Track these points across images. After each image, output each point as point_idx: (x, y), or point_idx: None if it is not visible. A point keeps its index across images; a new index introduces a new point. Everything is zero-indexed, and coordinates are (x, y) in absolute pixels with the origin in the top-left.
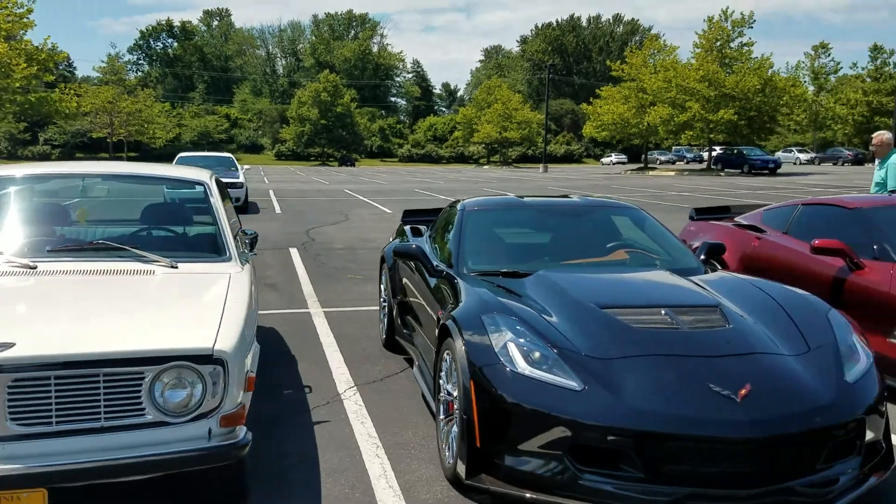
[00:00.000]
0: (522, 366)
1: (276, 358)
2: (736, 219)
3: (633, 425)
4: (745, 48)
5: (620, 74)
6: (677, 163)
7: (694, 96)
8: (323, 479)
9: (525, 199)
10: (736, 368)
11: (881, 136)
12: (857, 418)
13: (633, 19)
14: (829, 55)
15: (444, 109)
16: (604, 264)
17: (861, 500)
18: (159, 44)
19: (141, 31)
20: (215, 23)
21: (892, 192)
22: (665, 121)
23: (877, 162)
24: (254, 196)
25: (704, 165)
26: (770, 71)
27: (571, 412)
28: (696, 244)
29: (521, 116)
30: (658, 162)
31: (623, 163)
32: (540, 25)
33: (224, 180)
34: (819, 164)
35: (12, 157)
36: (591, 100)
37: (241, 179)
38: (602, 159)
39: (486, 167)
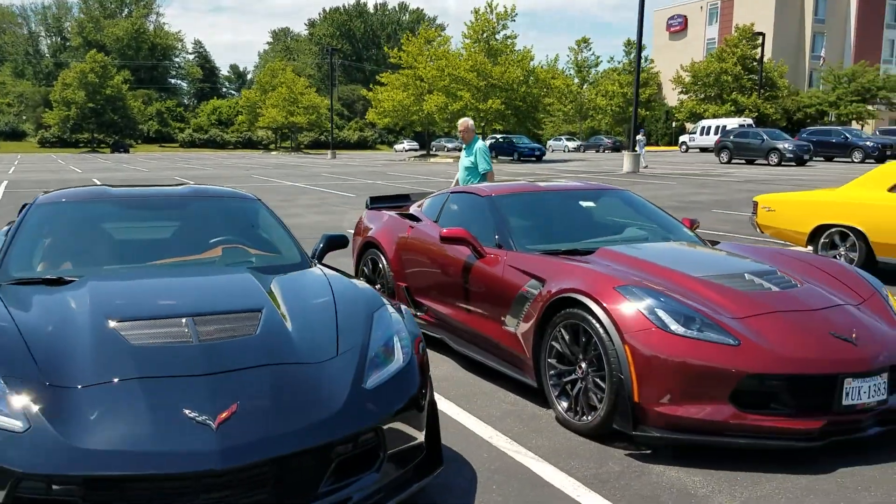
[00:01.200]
0: None
1: None
2: (411, 207)
3: (79, 470)
4: (509, 41)
5: (398, 62)
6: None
7: (466, 86)
8: None
9: (115, 189)
10: (229, 387)
11: (465, 122)
12: (372, 427)
13: (418, 8)
14: (591, 49)
15: (233, 93)
16: (181, 265)
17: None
18: None
19: None
20: None
21: (485, 173)
22: (440, 108)
23: (464, 148)
24: None
25: None
26: (533, 63)
27: (12, 459)
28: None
29: (308, 101)
30: (446, 150)
31: (415, 150)
32: (328, 9)
33: None
34: (584, 151)
35: None
36: (370, 86)
37: None
38: (395, 146)
39: (274, 153)
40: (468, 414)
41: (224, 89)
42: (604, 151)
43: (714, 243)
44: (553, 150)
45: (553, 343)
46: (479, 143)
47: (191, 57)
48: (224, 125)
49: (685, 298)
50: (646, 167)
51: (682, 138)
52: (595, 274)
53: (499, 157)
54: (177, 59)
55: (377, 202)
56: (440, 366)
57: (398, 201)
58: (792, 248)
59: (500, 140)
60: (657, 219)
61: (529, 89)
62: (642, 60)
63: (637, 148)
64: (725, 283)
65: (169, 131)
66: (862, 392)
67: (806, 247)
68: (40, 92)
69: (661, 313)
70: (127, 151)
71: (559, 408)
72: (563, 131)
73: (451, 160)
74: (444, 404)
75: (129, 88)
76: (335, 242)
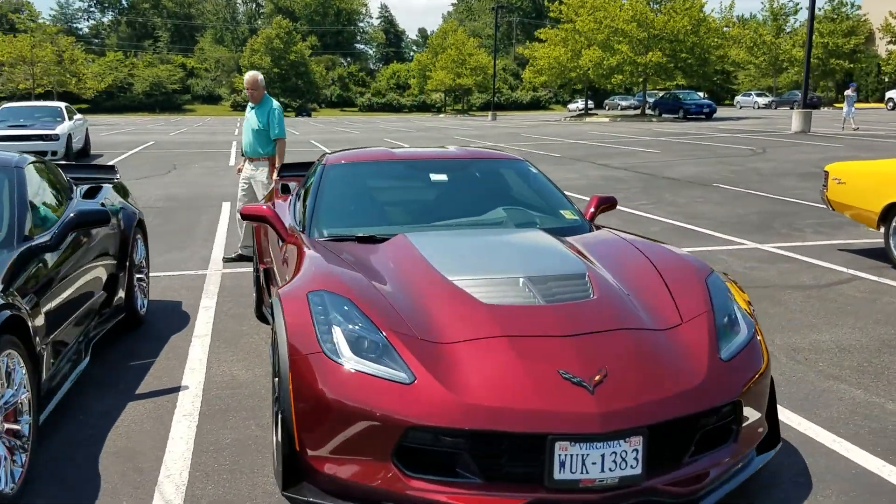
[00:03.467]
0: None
1: None
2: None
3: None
4: None
5: (558, 16)
6: (625, 109)
7: (625, 37)
8: None
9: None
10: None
11: (253, 77)
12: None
13: None
14: None
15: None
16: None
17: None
18: None
19: None
20: None
21: (276, 140)
22: (596, 64)
23: (252, 107)
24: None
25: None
26: (706, 10)
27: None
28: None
29: (475, 62)
30: (619, 108)
31: (590, 109)
32: None
33: (32, 132)
34: (776, 108)
35: None
36: (527, 43)
37: (57, 132)
38: (569, 105)
39: (441, 116)
40: None
41: (411, 53)
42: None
43: (598, 228)
44: (741, 107)
45: None
46: (275, 104)
47: (376, 22)
48: (401, 89)
49: (395, 312)
50: (856, 129)
51: (889, 94)
52: (313, 272)
53: (663, 115)
54: (361, 24)
55: (288, 170)
56: None
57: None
58: (661, 245)
59: (666, 96)
60: (541, 199)
61: (700, 40)
62: (848, 6)
63: (845, 105)
64: (480, 290)
65: (350, 95)
66: (588, 463)
67: (878, 228)
68: (234, 58)
69: (336, 333)
70: (309, 115)
71: None
72: (763, 86)
73: (606, 119)
74: None
75: (315, 54)
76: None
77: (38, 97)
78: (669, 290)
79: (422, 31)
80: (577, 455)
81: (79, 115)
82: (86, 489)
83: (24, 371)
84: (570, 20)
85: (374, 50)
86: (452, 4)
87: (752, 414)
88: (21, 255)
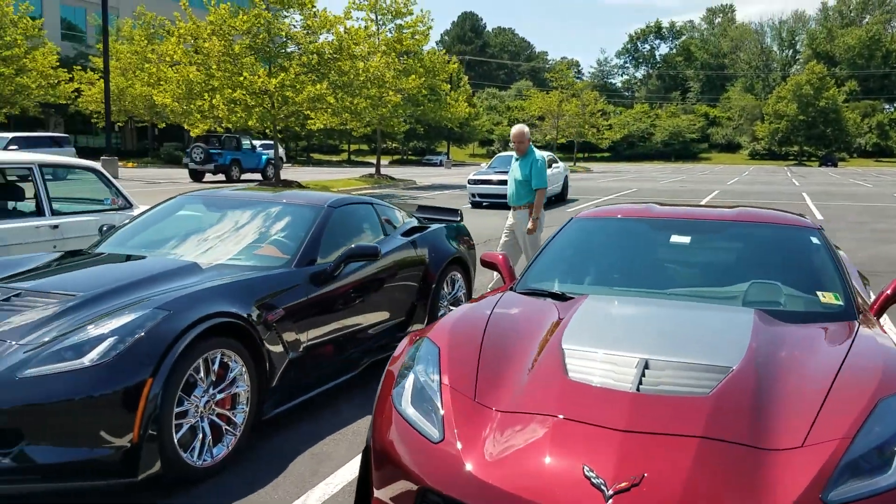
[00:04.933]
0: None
1: None
2: None
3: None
4: None
5: None
6: None
7: None
8: None
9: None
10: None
11: (520, 130)
12: None
13: None
14: None
15: None
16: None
17: None
18: (646, 46)
19: (630, 35)
20: (717, 20)
21: (537, 189)
22: None
23: (517, 159)
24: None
25: None
26: None
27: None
28: None
29: None
30: None
31: None
32: None
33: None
34: None
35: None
36: None
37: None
38: None
39: None
40: None
41: None
42: None
43: (873, 321)
44: None
45: None
46: (538, 154)
47: None
48: None
49: (473, 369)
50: None
51: None
52: (445, 318)
53: None
54: None
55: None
56: None
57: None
58: None
59: None
60: (808, 276)
61: None
62: None
63: None
64: (581, 363)
65: (890, 145)
66: None
67: None
68: (759, 106)
69: (409, 380)
70: (835, 165)
71: None
72: None
73: None
74: None
75: (853, 99)
76: None
77: (560, 147)
78: (823, 405)
79: None
80: None
81: (559, 164)
82: (272, 480)
83: (242, 368)
84: None
85: None
86: None
87: None
88: (292, 274)
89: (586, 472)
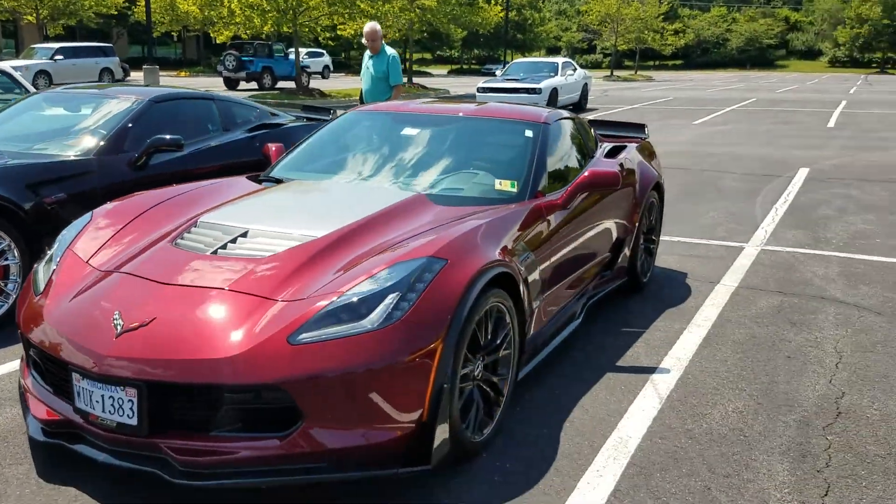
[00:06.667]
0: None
1: None
2: None
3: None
4: None
5: None
6: None
7: None
8: None
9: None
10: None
11: (372, 27)
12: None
13: None
14: None
15: None
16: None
17: None
18: None
19: None
20: None
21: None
22: None
23: (371, 56)
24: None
25: None
26: None
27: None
28: None
29: None
30: None
31: None
32: None
33: (518, 85)
34: None
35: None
36: None
37: (541, 86)
38: None
39: None
40: None
41: None
42: None
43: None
44: None
45: None
46: (389, 52)
47: None
48: None
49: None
50: None
51: None
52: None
53: None
54: None
55: (602, 127)
56: None
57: (628, 130)
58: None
59: None
60: (504, 168)
61: None
62: None
63: None
64: (194, 232)
65: None
66: (93, 399)
67: None
68: (844, 9)
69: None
70: None
71: None
72: None
73: None
74: None
75: None
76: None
77: (624, 55)
78: (351, 266)
79: None
80: (86, 389)
81: (581, 71)
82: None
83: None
84: None
85: None
86: None
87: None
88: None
89: (115, 317)
